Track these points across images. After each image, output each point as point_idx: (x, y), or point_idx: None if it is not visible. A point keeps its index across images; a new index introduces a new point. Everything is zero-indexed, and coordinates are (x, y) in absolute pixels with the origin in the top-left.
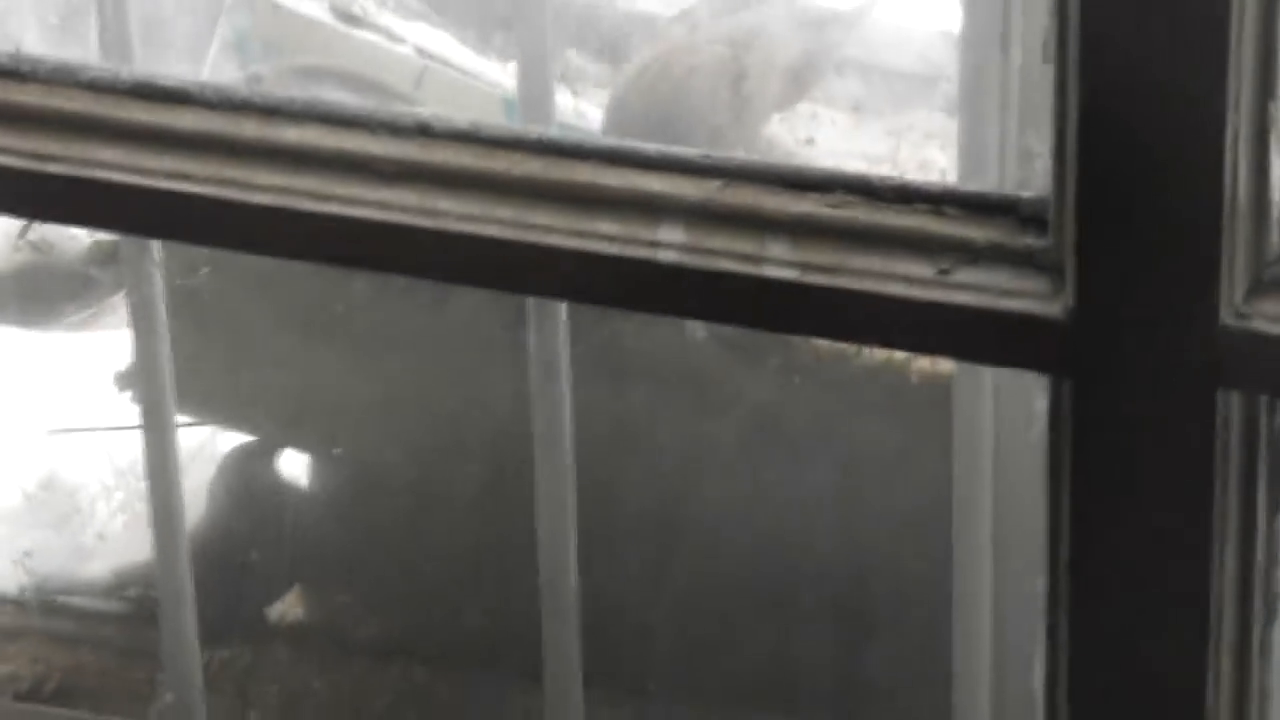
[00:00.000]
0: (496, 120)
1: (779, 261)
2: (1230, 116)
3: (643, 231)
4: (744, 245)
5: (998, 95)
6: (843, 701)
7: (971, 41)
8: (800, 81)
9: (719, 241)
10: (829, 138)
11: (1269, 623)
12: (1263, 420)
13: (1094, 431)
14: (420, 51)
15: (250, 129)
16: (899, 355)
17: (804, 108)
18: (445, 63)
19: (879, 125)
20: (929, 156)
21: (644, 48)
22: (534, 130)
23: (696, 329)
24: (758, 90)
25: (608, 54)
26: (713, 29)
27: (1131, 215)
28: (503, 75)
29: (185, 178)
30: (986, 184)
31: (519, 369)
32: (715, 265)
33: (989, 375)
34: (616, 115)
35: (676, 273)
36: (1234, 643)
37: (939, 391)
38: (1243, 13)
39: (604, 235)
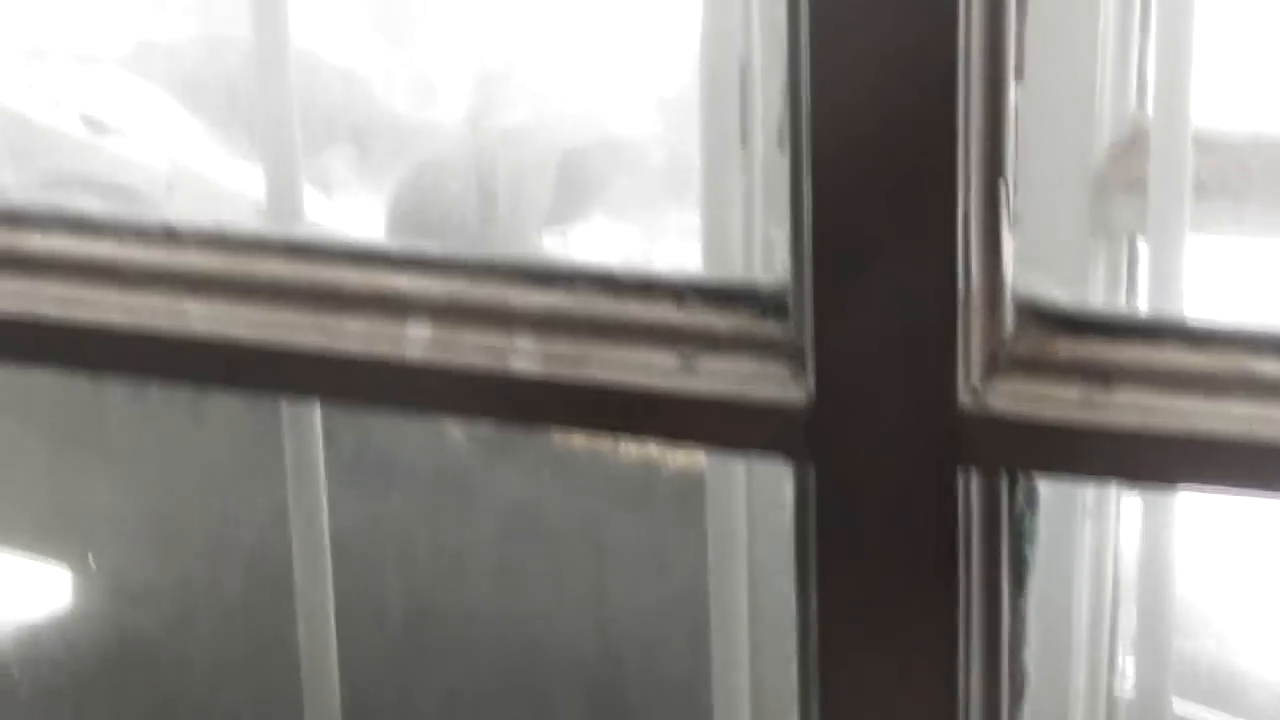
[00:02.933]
0: (247, 223)
1: (524, 355)
2: (961, 198)
3: (390, 329)
4: (490, 340)
5: (740, 185)
6: None
7: (711, 132)
8: (576, 187)
9: (465, 337)
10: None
11: (1016, 703)
12: (1003, 498)
13: (838, 516)
14: (171, 157)
15: None
16: (654, 448)
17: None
18: (197, 167)
19: (634, 226)
20: (685, 255)
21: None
22: (279, 232)
23: (453, 427)
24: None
25: (361, 155)
26: (491, 131)
27: (866, 300)
28: (254, 180)
29: None
30: (731, 273)
31: (277, 474)
32: (462, 361)
33: (741, 465)
34: (396, 215)
35: (424, 371)
36: None
37: (694, 483)
38: (969, 94)
39: (351, 334)
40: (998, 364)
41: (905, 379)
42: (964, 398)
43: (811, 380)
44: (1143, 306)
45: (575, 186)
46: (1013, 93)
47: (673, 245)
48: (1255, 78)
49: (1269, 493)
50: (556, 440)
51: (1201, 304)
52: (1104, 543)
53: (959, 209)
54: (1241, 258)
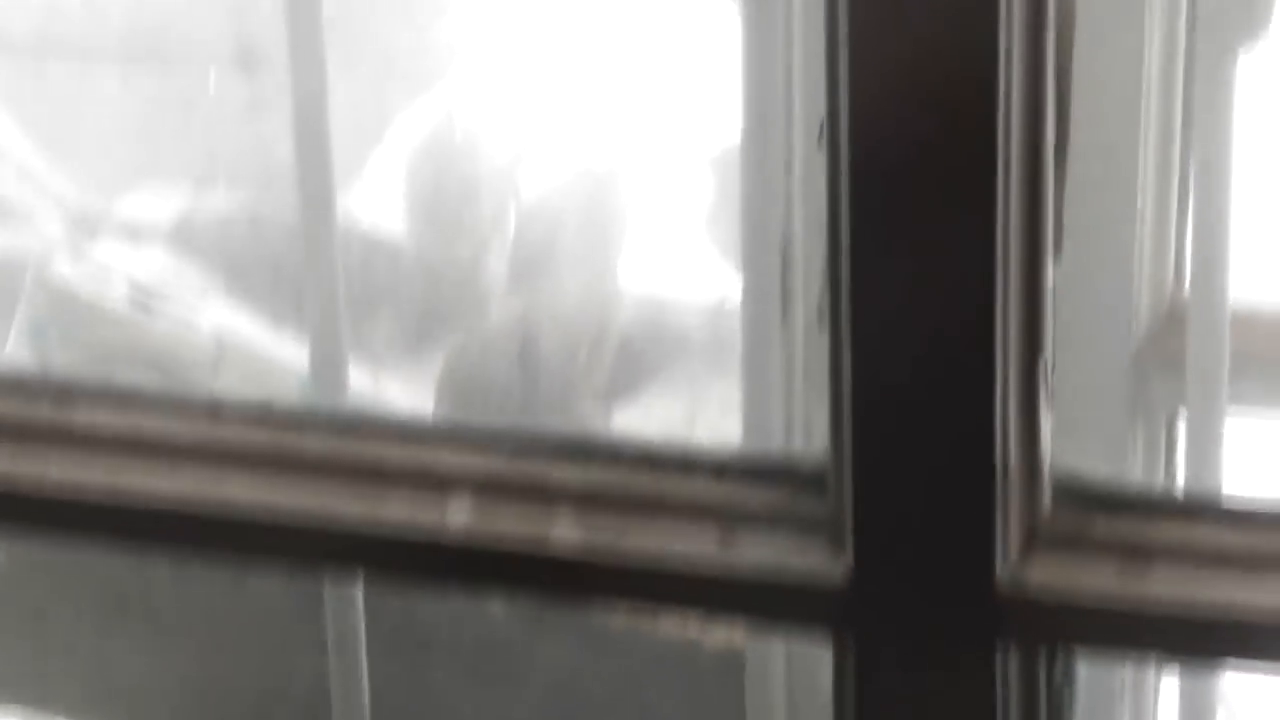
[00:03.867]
0: (292, 399)
1: (564, 534)
2: (999, 376)
3: (431, 507)
4: (530, 518)
5: (780, 360)
6: None
7: (751, 307)
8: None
9: (506, 515)
10: (620, 409)
11: None
12: (1041, 675)
13: (877, 692)
14: (217, 334)
15: (44, 412)
16: (693, 624)
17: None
18: (242, 344)
19: (675, 398)
20: (726, 426)
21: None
22: (322, 408)
23: (493, 602)
24: (587, 365)
25: (407, 331)
26: (540, 301)
27: (906, 478)
28: (300, 353)
29: None
30: (771, 449)
31: (319, 646)
32: (502, 540)
33: (780, 643)
34: (449, 385)
35: (465, 549)
36: None
37: (733, 660)
38: (1006, 274)
39: (393, 510)
40: (1036, 541)
41: (943, 556)
42: (1002, 574)
43: (850, 557)
44: (1182, 484)
45: (629, 366)
46: (1050, 271)
47: (714, 419)
48: None
49: None
50: (597, 615)
51: (1241, 482)
52: (1145, 716)
53: (997, 388)
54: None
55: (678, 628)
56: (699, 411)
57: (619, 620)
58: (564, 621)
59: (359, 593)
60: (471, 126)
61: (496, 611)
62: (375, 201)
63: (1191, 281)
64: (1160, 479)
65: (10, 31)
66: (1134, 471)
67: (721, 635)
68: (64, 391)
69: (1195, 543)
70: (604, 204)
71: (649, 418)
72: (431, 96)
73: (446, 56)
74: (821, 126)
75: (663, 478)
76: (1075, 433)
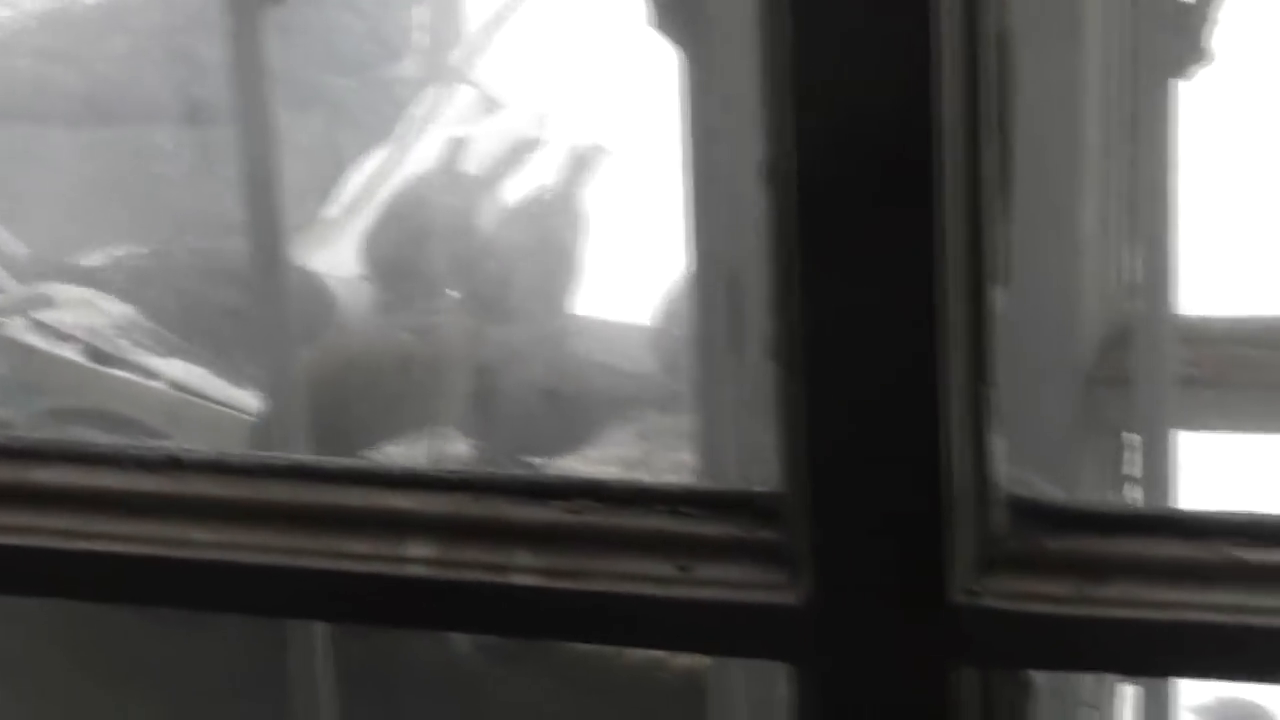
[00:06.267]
0: (247, 446)
1: (524, 569)
2: (945, 403)
3: (391, 548)
4: (490, 556)
5: (733, 393)
6: None
7: (704, 342)
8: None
9: (466, 553)
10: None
11: None
12: (999, 694)
13: (836, 715)
14: (174, 385)
15: (5, 472)
16: (657, 652)
17: None
18: (199, 395)
19: (630, 429)
20: (681, 458)
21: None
22: (280, 456)
23: (459, 638)
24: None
25: None
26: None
27: (858, 505)
28: (256, 402)
29: None
30: (728, 480)
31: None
32: (463, 577)
33: (742, 667)
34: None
35: (426, 587)
36: None
37: (696, 685)
38: (949, 303)
39: (354, 554)
40: (990, 561)
41: (898, 581)
42: (957, 596)
43: (806, 584)
44: (1135, 500)
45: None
46: (996, 299)
47: (669, 448)
48: (1240, 266)
49: (1263, 680)
50: (562, 645)
51: (1193, 497)
52: None
53: (943, 415)
54: (1233, 451)
55: (642, 654)
56: (653, 443)
57: (583, 651)
58: (528, 651)
59: (319, 634)
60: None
61: (463, 647)
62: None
63: (1138, 299)
64: (1114, 497)
65: None
66: (1089, 489)
67: (684, 661)
68: (21, 450)
69: (1146, 556)
70: (556, 237)
71: (605, 454)
72: (388, 144)
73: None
74: (761, 165)
75: (619, 513)
76: (1028, 453)
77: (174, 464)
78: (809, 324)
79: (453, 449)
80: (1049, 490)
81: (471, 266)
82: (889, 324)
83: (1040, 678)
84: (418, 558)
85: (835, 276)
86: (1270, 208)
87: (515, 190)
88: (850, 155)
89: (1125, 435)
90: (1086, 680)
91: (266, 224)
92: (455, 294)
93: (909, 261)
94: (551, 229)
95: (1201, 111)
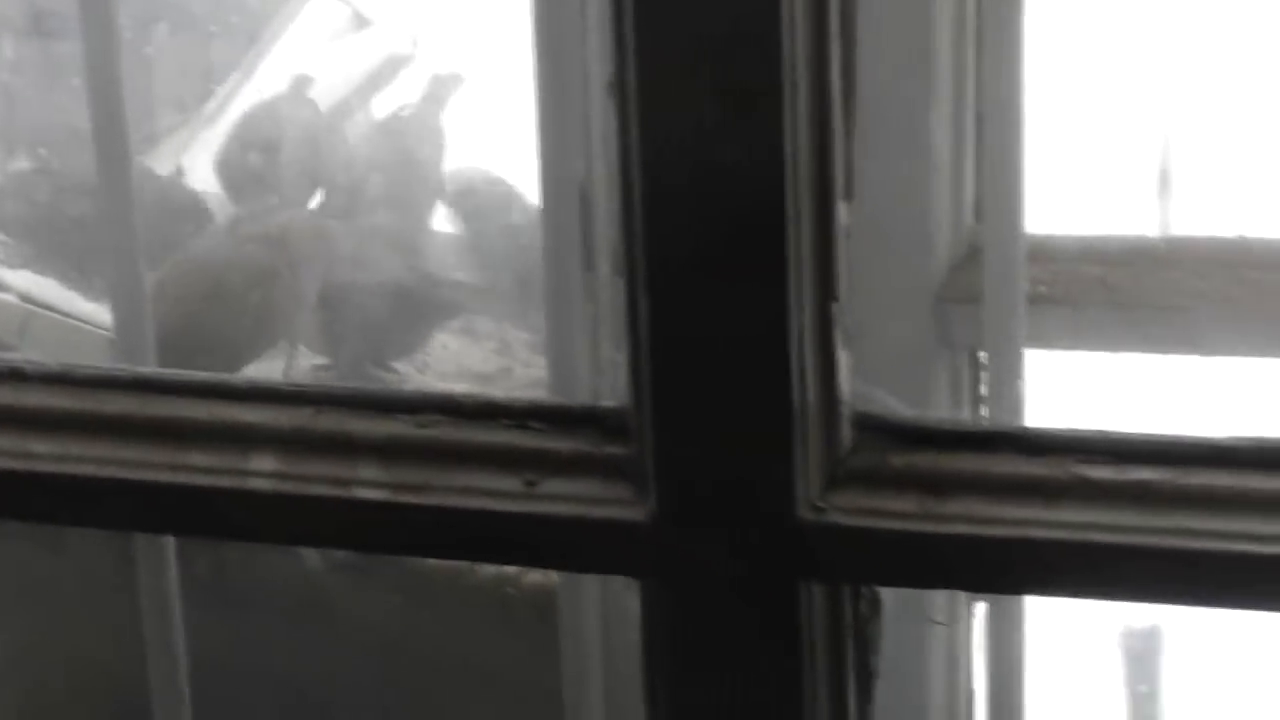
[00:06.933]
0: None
1: (370, 483)
2: (794, 319)
3: (235, 461)
4: (335, 469)
5: (585, 309)
6: None
7: (554, 255)
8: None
9: (311, 467)
10: (440, 360)
11: None
12: (846, 610)
13: (683, 631)
14: (23, 298)
15: None
16: (508, 568)
17: None
18: (49, 307)
19: (490, 344)
20: (539, 373)
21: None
22: (124, 368)
23: (310, 553)
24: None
25: None
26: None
27: (705, 421)
28: (108, 315)
29: None
30: (578, 396)
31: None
32: (307, 491)
33: (593, 583)
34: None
35: (270, 501)
36: None
37: (548, 601)
38: (799, 218)
39: (197, 467)
40: (836, 478)
41: (744, 496)
42: (803, 512)
43: (653, 500)
44: (984, 419)
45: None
46: (842, 215)
47: (528, 362)
48: (1091, 184)
49: (1105, 596)
50: (413, 559)
51: (1041, 415)
52: (957, 649)
53: (791, 330)
54: (1083, 370)
55: (493, 571)
56: (512, 357)
57: (432, 566)
58: (380, 567)
59: (170, 547)
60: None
61: (313, 560)
62: (193, 161)
63: (986, 219)
64: (964, 414)
65: None
66: (940, 408)
67: (536, 577)
68: None
69: (991, 473)
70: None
71: (461, 369)
72: (248, 56)
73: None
74: (608, 82)
75: (467, 427)
76: (878, 370)
77: (17, 376)
78: (654, 239)
79: (303, 363)
80: (896, 407)
81: (327, 180)
82: (734, 237)
83: (888, 594)
84: (262, 471)
85: (678, 191)
86: (1118, 127)
87: (375, 107)
88: (692, 71)
89: (975, 353)
90: (936, 597)
91: (113, 134)
92: (309, 206)
93: (754, 176)
94: (409, 145)
95: (1052, 27)
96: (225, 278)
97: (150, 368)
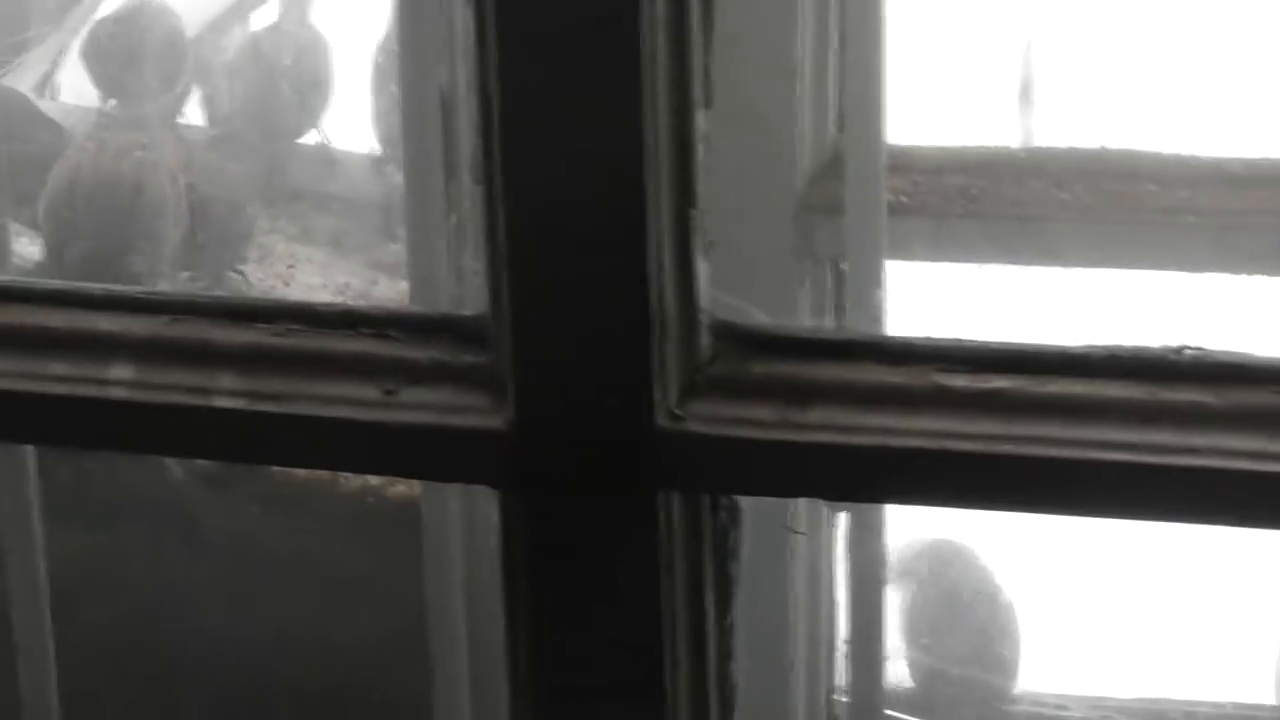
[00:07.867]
0: None
1: (227, 392)
2: (652, 225)
3: (92, 370)
4: (192, 378)
5: (446, 220)
6: None
7: (414, 167)
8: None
9: (168, 376)
10: (305, 273)
11: (727, 715)
12: (705, 519)
13: (542, 540)
14: None
15: None
16: (375, 478)
17: (280, 246)
18: None
19: (359, 258)
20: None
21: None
22: None
23: (173, 464)
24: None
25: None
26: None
27: (563, 330)
28: None
29: None
30: (441, 305)
31: None
32: (165, 400)
33: (456, 493)
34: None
35: (127, 409)
36: None
37: (412, 512)
38: (656, 125)
39: (54, 376)
40: (695, 386)
41: (602, 404)
42: (662, 420)
43: (512, 409)
44: (844, 328)
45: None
46: (701, 122)
47: (395, 276)
48: (953, 94)
49: (964, 504)
50: (277, 471)
51: (902, 326)
52: (819, 557)
53: (649, 238)
54: (945, 281)
55: (358, 481)
56: (380, 271)
57: (299, 475)
58: (243, 478)
59: (30, 457)
60: None
61: (175, 471)
62: (61, 73)
63: (847, 129)
64: (826, 324)
65: None
66: (802, 318)
67: (400, 488)
68: None
69: (850, 381)
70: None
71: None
72: None
73: None
74: None
75: (325, 336)
76: (740, 280)
77: None
78: (511, 146)
79: (171, 274)
80: (757, 316)
81: (197, 92)
82: (593, 146)
83: (747, 503)
84: (119, 380)
85: (536, 101)
86: (980, 36)
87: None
88: None
89: (836, 263)
90: (797, 506)
91: None
92: (179, 121)
93: (612, 84)
94: (283, 58)
95: None
96: (93, 185)
97: (5, 276)
